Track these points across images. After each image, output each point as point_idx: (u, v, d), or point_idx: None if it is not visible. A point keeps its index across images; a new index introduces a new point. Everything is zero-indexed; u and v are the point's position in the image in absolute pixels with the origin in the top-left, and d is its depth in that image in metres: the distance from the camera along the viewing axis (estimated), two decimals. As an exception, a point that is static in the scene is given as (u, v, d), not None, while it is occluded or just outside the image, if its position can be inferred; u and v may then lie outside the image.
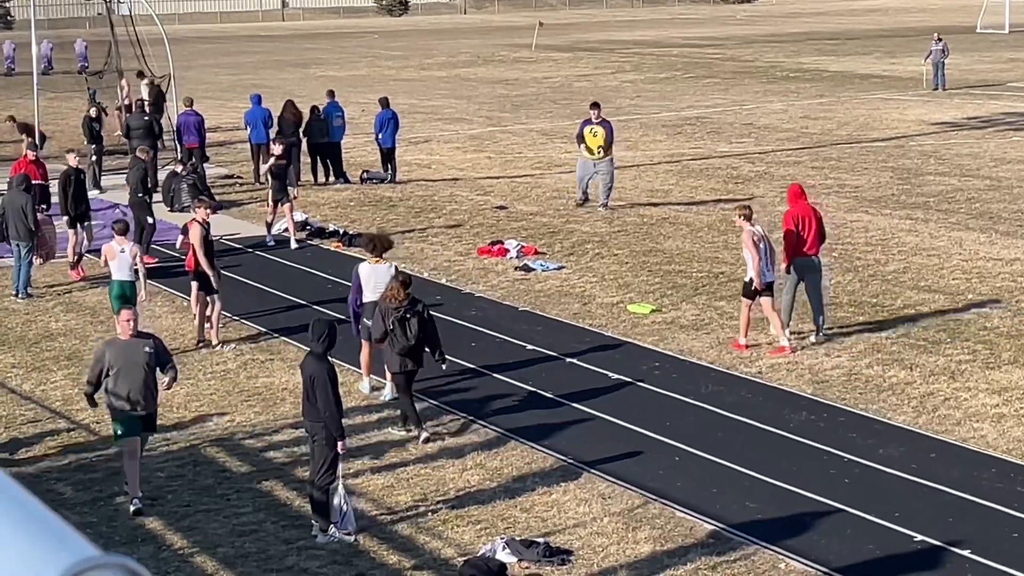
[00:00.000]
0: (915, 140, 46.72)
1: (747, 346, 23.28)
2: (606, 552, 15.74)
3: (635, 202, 36.18)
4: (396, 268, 21.72)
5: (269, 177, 32.42)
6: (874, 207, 35.05)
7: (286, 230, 32.20)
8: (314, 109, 40.58)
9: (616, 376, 22.10)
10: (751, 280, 22.94)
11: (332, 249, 32.05)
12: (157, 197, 37.20)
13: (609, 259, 29.60)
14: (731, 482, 17.66)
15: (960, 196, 36.29)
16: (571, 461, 18.47)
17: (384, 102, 41.37)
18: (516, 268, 29.35)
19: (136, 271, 23.83)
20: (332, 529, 16.22)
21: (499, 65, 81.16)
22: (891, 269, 28.45)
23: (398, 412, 20.25)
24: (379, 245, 22.15)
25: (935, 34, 64.14)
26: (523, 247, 30.58)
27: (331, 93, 42.02)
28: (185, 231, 25.43)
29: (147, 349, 17.34)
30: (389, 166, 40.92)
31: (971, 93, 59.91)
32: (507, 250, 30.55)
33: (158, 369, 17.63)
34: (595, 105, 35.98)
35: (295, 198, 33.33)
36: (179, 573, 15.49)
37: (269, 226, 32.49)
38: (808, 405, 20.49)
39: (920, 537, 15.89)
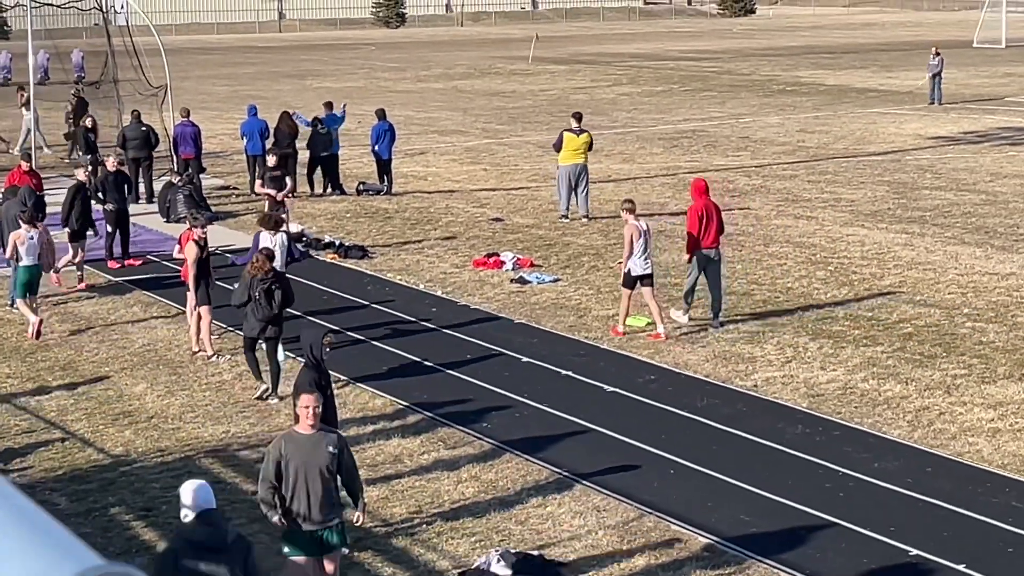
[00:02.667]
0: (911, 154, 46.80)
1: (624, 332, 25.05)
2: (601, 565, 15.75)
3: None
4: (283, 238, 24.92)
5: (265, 188, 31.99)
6: (870, 221, 35.11)
7: None
8: (316, 121, 40.59)
9: (611, 388, 22.13)
10: (629, 271, 24.77)
11: (328, 260, 32.05)
12: (152, 208, 37.43)
13: (605, 272, 29.63)
14: (726, 495, 17.69)
15: (956, 210, 36.36)
16: (566, 473, 18.49)
17: (380, 114, 41.42)
18: (512, 280, 29.37)
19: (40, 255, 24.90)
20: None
21: (496, 77, 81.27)
22: (887, 283, 28.50)
23: (394, 424, 20.37)
24: (273, 221, 25.46)
25: (933, 48, 64.28)
26: (519, 259, 30.61)
27: (328, 105, 42.05)
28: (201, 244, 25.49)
29: (331, 449, 13.99)
30: (385, 178, 40.94)
31: (967, 107, 60.04)
32: (503, 262, 30.58)
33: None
34: (578, 116, 36.19)
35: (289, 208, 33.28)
36: (174, 585, 15.49)
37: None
38: (803, 419, 20.52)
39: (915, 551, 15.92)
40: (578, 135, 35.39)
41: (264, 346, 22.13)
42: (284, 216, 29.52)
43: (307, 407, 13.94)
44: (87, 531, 16.86)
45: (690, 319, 25.59)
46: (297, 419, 14.42)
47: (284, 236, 25.24)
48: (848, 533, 16.48)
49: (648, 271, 24.94)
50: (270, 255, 22.37)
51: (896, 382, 22.05)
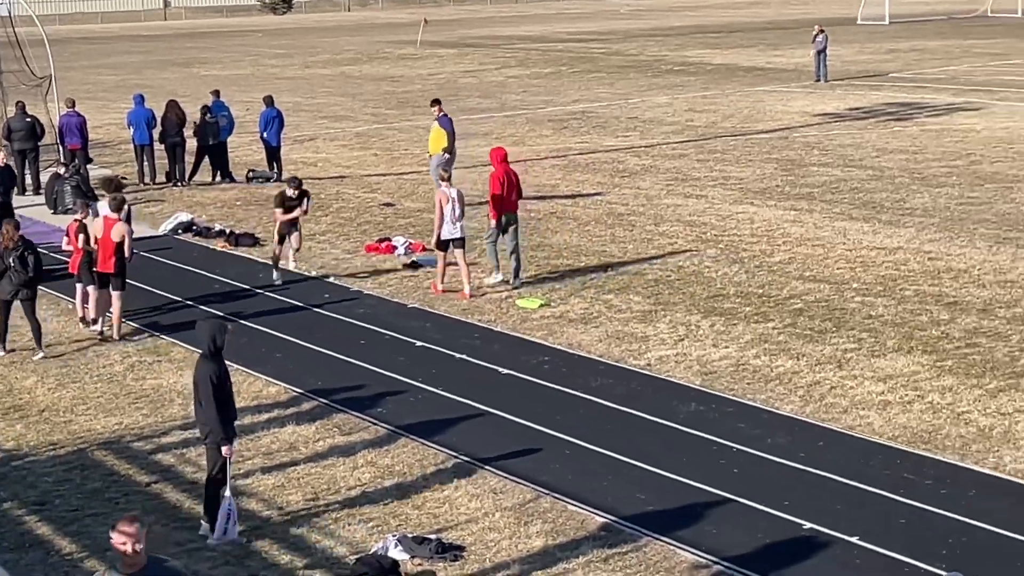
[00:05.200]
0: (798, 131, 47.15)
1: (444, 291, 26.94)
2: (498, 547, 15.76)
3: (523, 197, 36.21)
4: (114, 202, 25.32)
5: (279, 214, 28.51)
6: (759, 198, 35.34)
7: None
8: (205, 110, 40.33)
9: (506, 371, 22.15)
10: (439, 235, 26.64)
11: (218, 249, 31.89)
12: (39, 199, 37.04)
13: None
14: (622, 474, 17.75)
15: (843, 186, 36.67)
16: (462, 457, 18.49)
17: (268, 100, 41.24)
18: (404, 265, 29.34)
19: None
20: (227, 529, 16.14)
21: (384, 62, 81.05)
22: (777, 260, 28.70)
23: (288, 411, 20.35)
24: (113, 186, 28.24)
25: (817, 26, 64.76)
26: (411, 244, 30.59)
27: (216, 93, 41.80)
28: (83, 230, 25.25)
29: None
30: (275, 165, 40.78)
31: (853, 84, 60.52)
32: (395, 247, 30.56)
33: None
34: (436, 101, 36.10)
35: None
36: (68, 578, 15.37)
37: (276, 261, 28.62)
38: (697, 396, 20.62)
39: (809, 525, 16.04)
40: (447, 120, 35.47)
41: (22, 307, 23.77)
42: (295, 235, 29.10)
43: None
44: (-21, 527, 16.69)
45: (501, 280, 27.33)
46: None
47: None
48: (743, 508, 16.59)
49: (457, 235, 26.55)
50: (16, 225, 24.02)
51: (787, 358, 22.21)
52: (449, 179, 27.44)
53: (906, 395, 20.26)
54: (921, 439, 18.57)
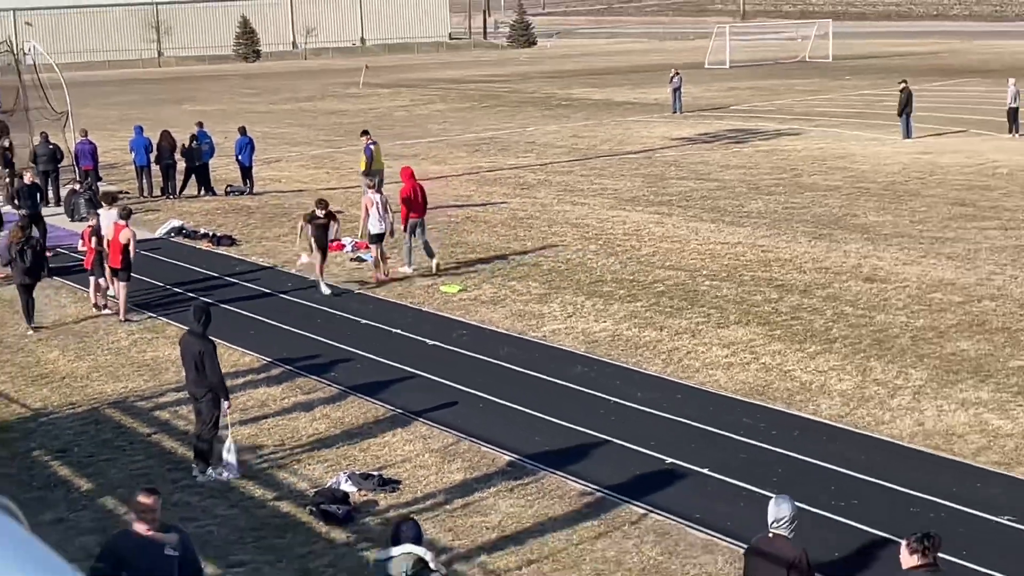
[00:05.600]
0: (660, 152, 47.29)
1: (386, 275, 26.87)
2: (427, 481, 15.75)
3: (443, 205, 36.20)
4: (122, 211, 25.00)
5: (309, 231, 26.06)
6: (630, 205, 35.44)
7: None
8: (192, 138, 40.12)
9: (432, 342, 22.11)
10: (369, 230, 26.82)
11: (203, 248, 31.65)
12: (60, 210, 36.65)
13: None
14: (524, 423, 17.77)
15: (696, 195, 36.83)
16: (398, 410, 18.45)
17: (242, 130, 41.14)
18: (351, 259, 29.21)
19: None
20: (210, 471, 16.08)
21: (334, 99, 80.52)
22: (644, 253, 28.79)
23: (260, 376, 20.26)
24: (111, 199, 27.49)
25: (674, 69, 65.04)
26: (356, 243, 30.41)
27: (200, 124, 41.50)
28: (95, 234, 25.11)
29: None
30: (248, 181, 40.58)
31: (702, 115, 60.77)
32: (344, 245, 30.36)
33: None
34: (365, 132, 35.73)
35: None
36: (87, 510, 15.20)
37: (320, 273, 26.27)
38: (582, 360, 20.67)
39: (670, 460, 16.12)
40: (376, 145, 35.03)
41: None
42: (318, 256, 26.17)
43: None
44: (11, 471, 16.52)
45: (414, 270, 27.41)
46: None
47: (116, 210, 25.29)
48: (619, 448, 16.64)
49: (380, 231, 26.61)
50: (24, 227, 24.66)
51: (653, 329, 22.29)
52: (376, 187, 27.87)
53: (745, 358, 20.39)
54: (756, 392, 18.71)
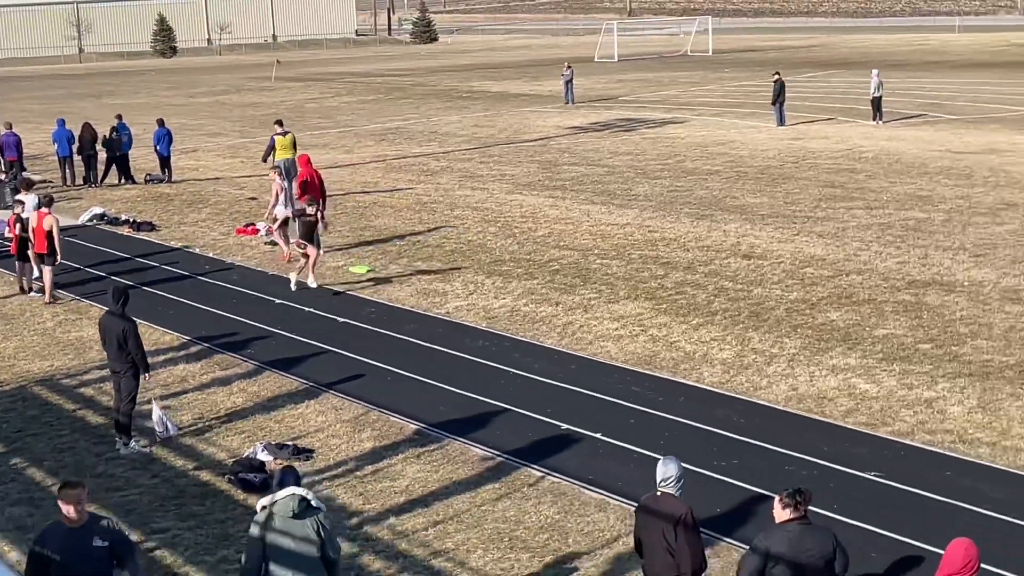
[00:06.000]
0: (554, 140, 47.37)
1: (289, 258, 26.28)
2: (339, 449, 15.69)
3: (352, 191, 36.02)
4: (43, 199, 24.62)
5: (296, 225, 24.33)
6: (526, 190, 35.47)
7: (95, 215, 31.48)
8: (112, 129, 39.60)
9: (343, 319, 22.01)
10: (276, 215, 26.86)
11: (124, 234, 31.23)
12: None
13: (335, 235, 29.37)
14: (429, 393, 17.75)
15: (587, 180, 36.95)
16: (311, 383, 18.36)
17: (160, 122, 40.60)
18: (265, 243, 28.94)
19: None
20: (132, 443, 15.90)
21: (248, 93, 79.65)
22: (540, 234, 28.85)
23: (180, 353, 20.04)
24: (28, 184, 27.88)
25: (566, 63, 65.17)
26: (269, 228, 30.13)
27: (119, 116, 40.93)
28: (19, 220, 24.71)
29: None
30: (166, 170, 40.09)
31: (592, 105, 60.93)
32: (258, 230, 30.11)
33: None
34: (280, 122, 35.20)
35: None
36: (15, 483, 14.93)
37: (312, 269, 24.19)
38: (483, 335, 20.68)
39: (565, 426, 16.19)
40: (284, 136, 34.45)
41: None
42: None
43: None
44: (-56, 447, 16.21)
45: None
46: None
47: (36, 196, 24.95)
48: (518, 415, 16.69)
49: (288, 214, 26.05)
50: None
51: (548, 305, 22.35)
52: (282, 175, 27.75)
53: (634, 330, 20.52)
54: (645, 361, 18.83)
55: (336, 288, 23.93)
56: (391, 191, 36.09)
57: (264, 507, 9.96)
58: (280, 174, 27.70)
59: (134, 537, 12.79)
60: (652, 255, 26.08)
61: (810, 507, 9.51)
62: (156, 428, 16.05)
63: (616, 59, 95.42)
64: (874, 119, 48.49)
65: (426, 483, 14.53)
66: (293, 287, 24.14)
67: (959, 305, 21.21)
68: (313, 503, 9.93)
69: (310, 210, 24.08)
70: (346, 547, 12.71)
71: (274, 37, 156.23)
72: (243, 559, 10.05)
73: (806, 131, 47.02)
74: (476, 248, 27.46)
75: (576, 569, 12.27)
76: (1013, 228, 27.49)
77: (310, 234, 23.97)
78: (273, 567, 9.86)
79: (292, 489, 9.86)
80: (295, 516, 9.80)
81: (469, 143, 47.65)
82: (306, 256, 24.17)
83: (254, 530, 9.91)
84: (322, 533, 9.86)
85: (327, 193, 28.65)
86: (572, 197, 33.86)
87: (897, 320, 20.43)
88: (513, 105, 63.26)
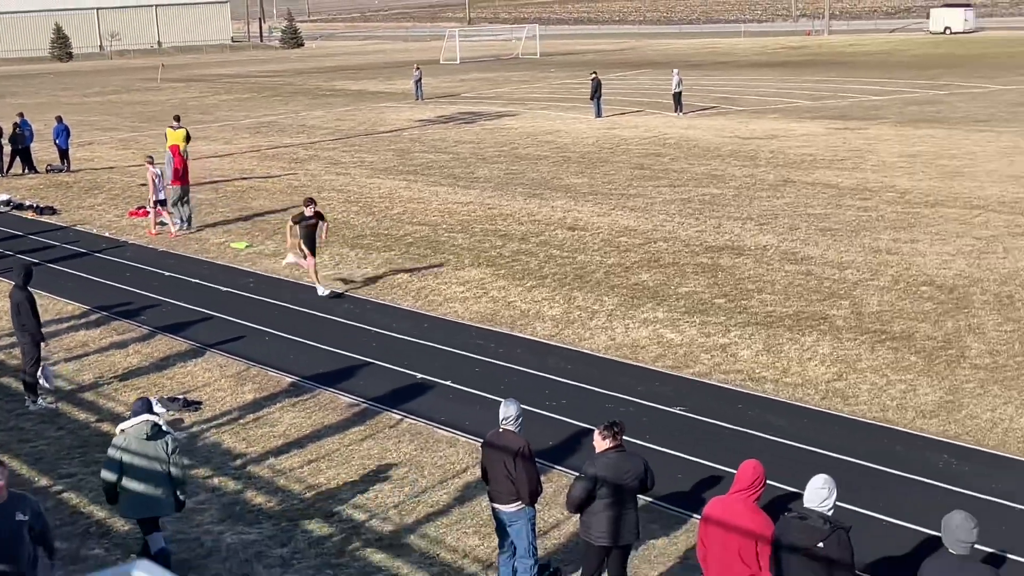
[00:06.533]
0: (407, 131, 47.09)
1: (156, 234, 26.74)
2: (223, 401, 15.46)
3: (232, 178, 35.36)
4: None
5: (298, 232, 20.76)
6: (384, 174, 35.24)
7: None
8: (15, 125, 38.25)
9: (226, 289, 21.65)
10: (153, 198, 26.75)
11: (28, 217, 30.22)
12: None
13: (217, 215, 28.85)
14: (304, 351, 17.59)
15: (436, 165, 36.84)
16: (198, 344, 18.04)
17: (59, 119, 39.34)
18: (156, 223, 28.29)
19: None
20: (40, 400, 15.44)
21: (137, 92, 77.45)
22: (396, 212, 28.70)
23: (81, 321, 19.48)
24: None
25: (415, 64, 64.67)
26: (159, 210, 29.48)
27: (21, 114, 39.51)
28: None
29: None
30: (65, 161, 38.86)
31: (439, 101, 60.68)
32: (148, 212, 29.39)
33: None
34: (177, 117, 34.28)
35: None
36: (-67, 439, 14.43)
37: (315, 275, 20.98)
38: (348, 300, 20.54)
39: (420, 376, 16.19)
40: (176, 129, 33.58)
41: None
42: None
43: None
44: None
45: (177, 231, 26.91)
46: None
47: None
48: (379, 368, 16.63)
49: (162, 197, 26.63)
50: None
51: (403, 272, 22.28)
52: (151, 162, 26.91)
53: (477, 293, 20.58)
54: (487, 319, 18.91)
55: (337, 290, 21.13)
56: (266, 177, 35.52)
57: (122, 430, 10.17)
58: (152, 163, 27.02)
59: (43, 482, 12.48)
60: (492, 228, 26.16)
61: (625, 437, 9.67)
62: (46, 384, 15.54)
63: (459, 61, 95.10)
64: (675, 111, 49.20)
65: (300, 428, 14.40)
66: (323, 292, 20.76)
67: (747, 266, 21.71)
68: (163, 428, 10.16)
69: (308, 212, 20.40)
70: (231, 484, 12.57)
71: (159, 43, 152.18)
72: (102, 474, 10.18)
73: (619, 122, 47.52)
74: (341, 225, 27.21)
75: (431, 496, 12.31)
76: (790, 201, 28.20)
77: (311, 237, 20.61)
78: (126, 480, 10.12)
79: (145, 416, 10.12)
80: (148, 438, 10.07)
81: (333, 135, 47.12)
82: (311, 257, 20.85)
83: (112, 451, 10.12)
84: (169, 453, 10.13)
85: (191, 181, 28.88)
86: (423, 180, 33.74)
87: (697, 279, 20.83)
88: (370, 101, 62.69)
